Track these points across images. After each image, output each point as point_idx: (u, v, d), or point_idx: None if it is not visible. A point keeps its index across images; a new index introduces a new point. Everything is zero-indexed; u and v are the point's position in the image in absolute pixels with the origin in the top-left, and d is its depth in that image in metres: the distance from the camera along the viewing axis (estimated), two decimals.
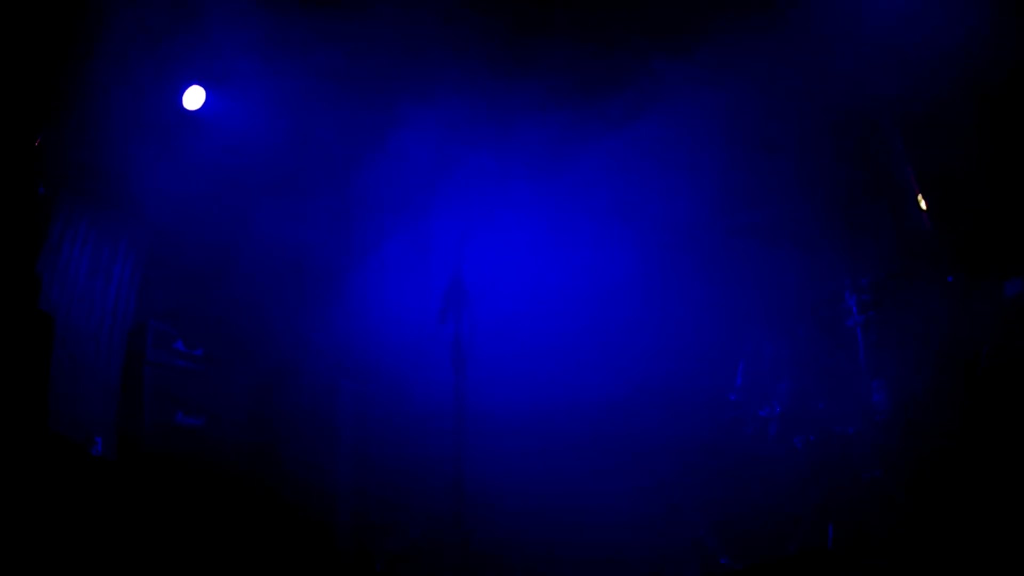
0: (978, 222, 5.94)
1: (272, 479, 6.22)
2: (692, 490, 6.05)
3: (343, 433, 6.25)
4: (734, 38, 5.71)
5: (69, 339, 5.68)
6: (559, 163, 6.00)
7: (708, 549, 5.82)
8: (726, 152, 6.08)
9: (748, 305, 6.13)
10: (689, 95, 6.13)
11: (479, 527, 5.12)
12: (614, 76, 6.04)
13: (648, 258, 6.17)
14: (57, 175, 5.58)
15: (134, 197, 5.99)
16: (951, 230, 6.16)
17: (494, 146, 5.47)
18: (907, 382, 6.01)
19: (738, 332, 6.22)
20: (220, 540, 5.49)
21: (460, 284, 4.41)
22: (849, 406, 5.79)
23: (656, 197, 6.36)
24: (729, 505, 5.83)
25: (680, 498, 6.09)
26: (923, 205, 6.47)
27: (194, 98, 5.94)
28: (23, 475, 4.21)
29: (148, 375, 5.97)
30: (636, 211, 6.10)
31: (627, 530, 6.07)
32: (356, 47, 5.60)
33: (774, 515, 5.54)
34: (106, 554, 4.47)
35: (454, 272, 4.37)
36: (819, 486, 5.38)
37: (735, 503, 5.79)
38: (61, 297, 5.76)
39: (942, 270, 6.22)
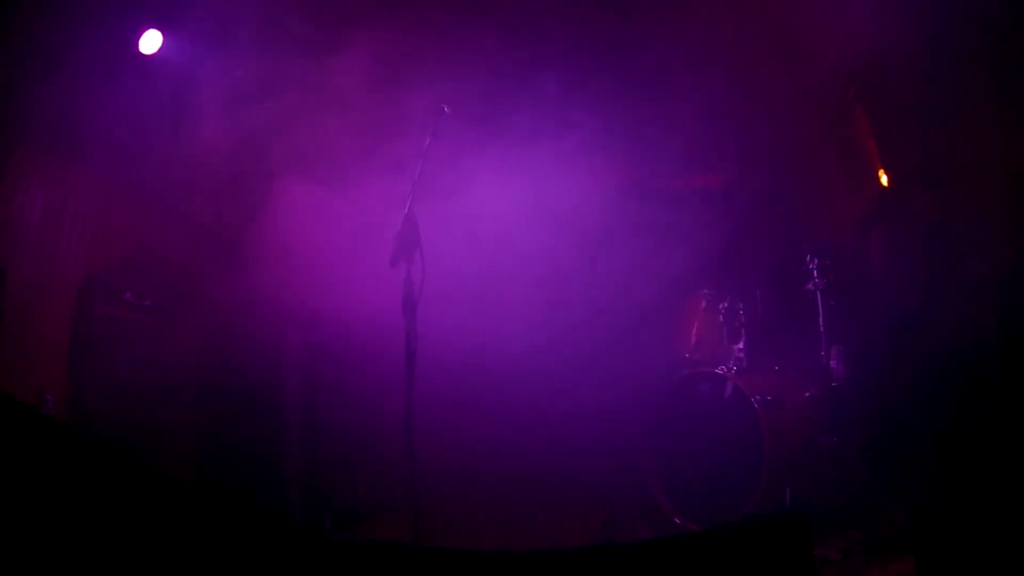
0: (941, 200, 5.94)
1: (220, 435, 6.10)
2: (645, 448, 5.99)
3: (291, 386, 6.13)
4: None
5: (20, 294, 5.56)
6: (516, 107, 5.97)
7: (661, 509, 5.76)
8: (689, 111, 6.05)
9: (706, 264, 6.09)
10: (651, 53, 6.11)
11: (429, 484, 5.03)
12: (573, 26, 6.01)
13: (605, 213, 6.13)
14: (8, 126, 5.47)
15: (87, 147, 5.85)
16: (913, 206, 6.16)
17: (448, 89, 5.40)
18: (864, 351, 5.99)
19: (694, 290, 6.18)
20: (166, 498, 5.37)
21: (413, 226, 4.32)
22: (806, 370, 5.76)
23: (616, 151, 6.32)
24: (683, 465, 5.77)
25: (633, 456, 6.03)
26: (884, 181, 6.47)
27: (151, 42, 5.82)
28: None
29: (97, 329, 5.86)
30: (594, 164, 6.06)
31: (579, 489, 6.01)
32: None
33: (730, 476, 5.50)
34: (50, 520, 4.34)
35: (406, 214, 4.28)
36: (775, 448, 5.34)
37: (690, 463, 5.74)
38: (13, 251, 5.64)
39: (904, 245, 6.22)
